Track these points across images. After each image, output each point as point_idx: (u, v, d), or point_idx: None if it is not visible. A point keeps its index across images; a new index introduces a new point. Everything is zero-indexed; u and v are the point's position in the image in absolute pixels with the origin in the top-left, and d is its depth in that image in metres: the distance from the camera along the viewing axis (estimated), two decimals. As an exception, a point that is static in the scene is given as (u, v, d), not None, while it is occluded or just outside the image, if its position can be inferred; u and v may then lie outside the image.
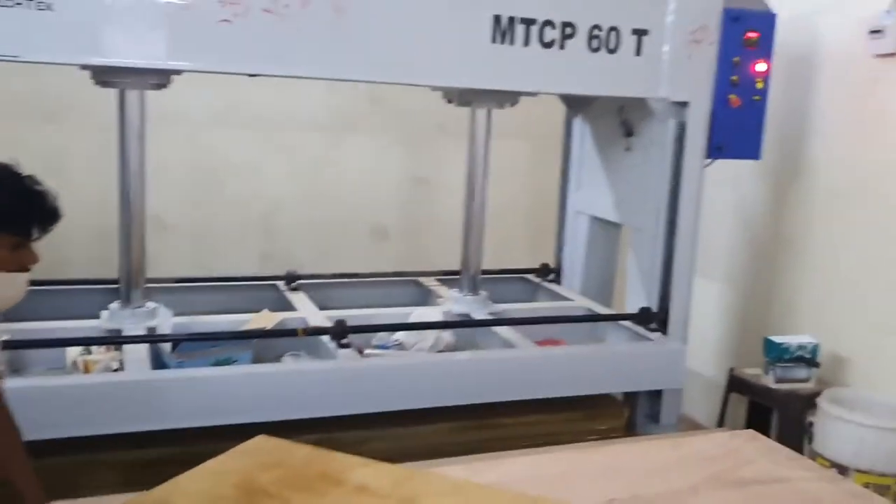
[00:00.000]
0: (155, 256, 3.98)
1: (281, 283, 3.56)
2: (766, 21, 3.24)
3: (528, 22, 2.89)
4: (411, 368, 2.83)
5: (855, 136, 3.52)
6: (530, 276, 4.09)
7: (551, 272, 4.04)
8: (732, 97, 3.21)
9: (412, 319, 3.17)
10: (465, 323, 3.24)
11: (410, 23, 2.75)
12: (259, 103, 4.15)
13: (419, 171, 4.53)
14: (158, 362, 2.74)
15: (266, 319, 2.99)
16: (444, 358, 2.98)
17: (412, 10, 2.75)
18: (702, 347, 3.86)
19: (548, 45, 2.94)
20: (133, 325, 2.85)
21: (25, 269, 1.71)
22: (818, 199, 3.71)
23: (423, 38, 2.78)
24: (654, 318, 3.23)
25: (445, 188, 4.47)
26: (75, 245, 3.64)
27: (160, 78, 2.77)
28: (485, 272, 3.53)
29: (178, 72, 2.72)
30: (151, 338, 2.78)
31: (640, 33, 3.06)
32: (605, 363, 3.08)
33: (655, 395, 3.21)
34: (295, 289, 3.50)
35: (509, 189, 4.59)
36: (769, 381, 3.38)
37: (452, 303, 3.41)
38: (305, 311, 3.22)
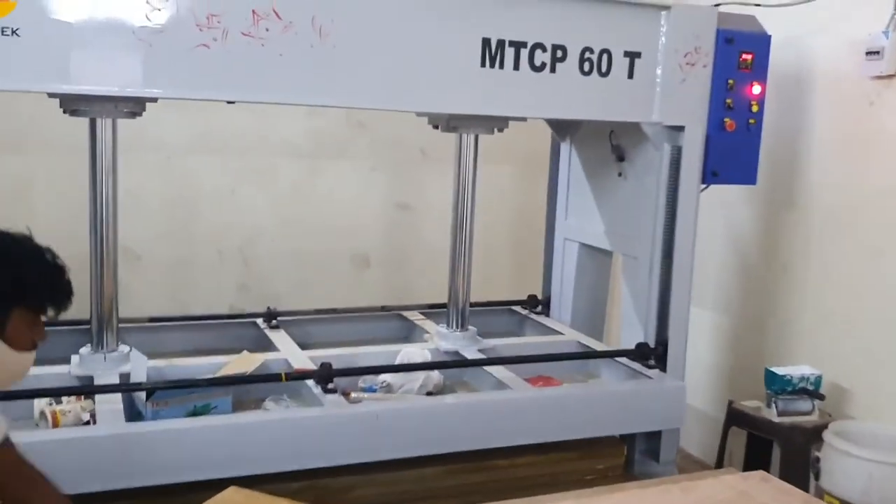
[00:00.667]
0: (127, 289, 3.84)
1: (260, 321, 3.40)
2: (761, 42, 3.19)
3: (519, 45, 2.80)
4: (401, 414, 2.68)
5: (851, 160, 3.45)
6: (517, 308, 3.97)
7: (539, 303, 3.93)
8: (728, 121, 3.15)
9: (399, 359, 3.03)
10: (456, 363, 3.10)
11: (397, 47, 2.65)
12: (236, 128, 4.02)
13: (402, 196, 4.42)
14: (133, 410, 2.58)
15: (246, 362, 2.84)
16: (436, 402, 2.84)
17: (399, 33, 2.64)
18: (694, 377, 3.75)
19: (538, 69, 2.85)
20: (105, 371, 2.69)
21: (34, 347, 1.64)
22: (813, 225, 3.63)
23: (411, 62, 2.67)
24: (652, 354, 3.12)
25: (429, 214, 4.37)
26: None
27: (134, 106, 2.63)
28: (471, 304, 3.40)
29: (153, 99, 2.58)
30: (125, 387, 2.61)
31: (632, 56, 2.98)
32: (604, 404, 2.95)
33: (654, 434, 3.09)
34: (275, 326, 3.35)
35: (495, 215, 4.50)
36: (771, 415, 3.27)
37: (440, 339, 3.27)
38: (287, 351, 3.07)
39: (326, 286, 4.25)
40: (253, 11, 2.47)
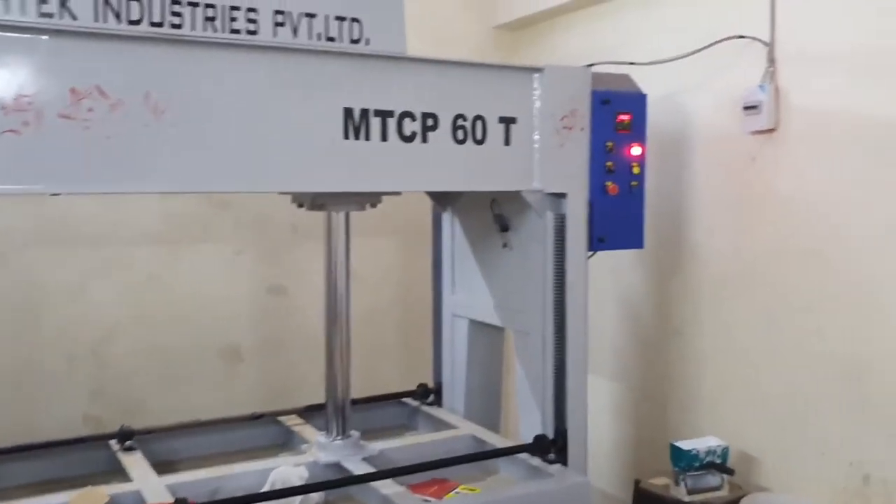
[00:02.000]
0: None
1: (114, 442, 2.96)
2: (638, 102, 3.10)
3: (385, 114, 2.57)
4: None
5: (737, 218, 3.34)
6: (408, 400, 3.64)
7: (430, 393, 3.62)
8: (610, 184, 3.03)
9: (271, 481, 2.62)
10: (337, 482, 2.67)
11: (246, 122, 2.34)
12: (82, 216, 3.62)
13: (274, 279, 4.07)
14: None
15: (89, 499, 2.40)
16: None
17: (247, 107, 2.34)
18: (597, 455, 3.53)
19: (408, 139, 2.62)
20: None
21: None
22: (704, 287, 3.50)
23: (264, 138, 2.37)
24: (552, 447, 2.86)
25: (305, 297, 4.05)
26: None
27: (-68, 204, 2.23)
28: (355, 401, 3.06)
29: (-47, 196, 2.20)
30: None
31: (507, 121, 2.81)
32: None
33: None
34: (129, 448, 2.91)
35: (378, 295, 4.25)
36: (680, 493, 3.06)
37: (319, 450, 2.89)
38: (141, 478, 2.63)
39: (194, 384, 3.84)
40: (72, 90, 2.13)
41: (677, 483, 3.09)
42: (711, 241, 3.46)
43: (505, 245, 3.27)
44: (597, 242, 3.02)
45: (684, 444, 3.09)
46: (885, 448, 2.84)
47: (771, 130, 3.13)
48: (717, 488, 3.09)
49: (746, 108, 3.15)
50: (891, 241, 2.79)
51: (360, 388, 3.18)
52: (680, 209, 3.58)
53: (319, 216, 3.02)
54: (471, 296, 3.50)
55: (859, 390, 2.91)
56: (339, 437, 2.93)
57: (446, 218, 3.63)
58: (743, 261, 3.32)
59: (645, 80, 3.15)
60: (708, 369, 3.50)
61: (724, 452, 3.11)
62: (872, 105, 2.82)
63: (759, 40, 3.16)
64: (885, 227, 2.81)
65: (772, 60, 3.12)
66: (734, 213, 3.35)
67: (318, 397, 3.14)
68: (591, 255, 3.04)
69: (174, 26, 2.28)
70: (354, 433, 2.96)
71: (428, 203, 3.67)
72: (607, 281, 3.87)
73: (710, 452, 3.08)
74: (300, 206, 2.92)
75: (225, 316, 3.94)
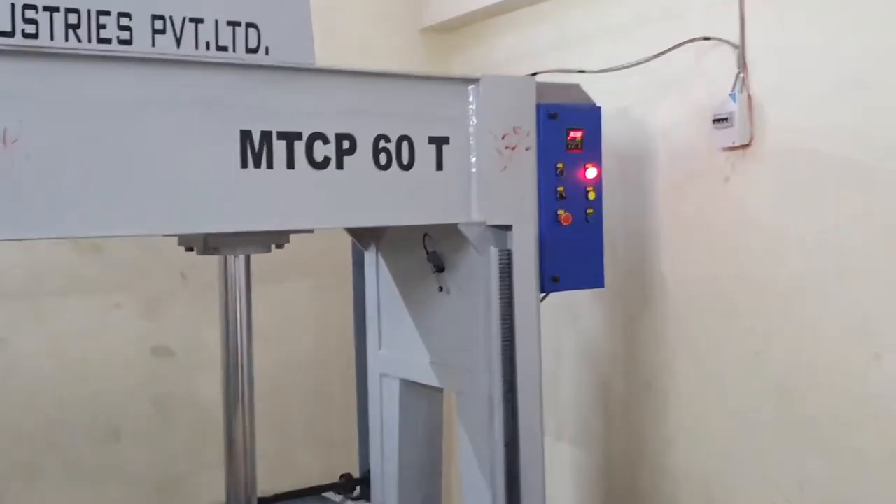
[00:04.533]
0: None
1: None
2: (591, 116, 3.16)
3: (291, 137, 2.57)
4: None
5: (709, 246, 3.41)
6: (330, 494, 3.61)
7: (357, 484, 3.59)
8: (562, 213, 3.09)
9: None
10: None
11: (121, 151, 2.30)
12: None
13: (159, 339, 4.00)
14: None
15: None
16: None
17: (122, 133, 2.30)
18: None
19: (320, 166, 2.63)
20: None
21: None
22: (672, 329, 3.55)
23: (140, 169, 2.33)
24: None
25: (199, 359, 3.98)
26: None
27: None
28: (263, 500, 2.99)
29: None
30: None
31: (439, 142, 2.85)
32: None
33: None
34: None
35: (287, 355, 4.21)
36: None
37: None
38: None
39: (59, 475, 3.73)
40: None
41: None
42: (681, 274, 3.53)
43: (441, 289, 3.29)
44: (550, 282, 3.06)
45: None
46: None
47: (745, 146, 3.21)
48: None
49: (716, 120, 3.23)
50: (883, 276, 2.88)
51: (269, 477, 3.10)
52: (643, 238, 3.64)
53: (213, 260, 2.97)
54: (402, 351, 3.50)
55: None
56: (246, 555, 2.86)
57: (369, 258, 3.64)
58: (719, 295, 3.38)
59: (597, 91, 3.21)
60: (683, 426, 3.57)
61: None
62: (864, 119, 2.88)
63: (728, 42, 3.24)
64: (878, 260, 2.89)
65: (743, 65, 3.21)
66: (706, 240, 3.42)
67: (217, 482, 3.06)
68: (544, 298, 3.07)
69: (28, 35, 2.23)
70: (265, 547, 2.90)
71: (347, 241, 3.66)
72: (562, 324, 3.94)
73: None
74: (189, 249, 2.88)
75: (99, 384, 3.84)
